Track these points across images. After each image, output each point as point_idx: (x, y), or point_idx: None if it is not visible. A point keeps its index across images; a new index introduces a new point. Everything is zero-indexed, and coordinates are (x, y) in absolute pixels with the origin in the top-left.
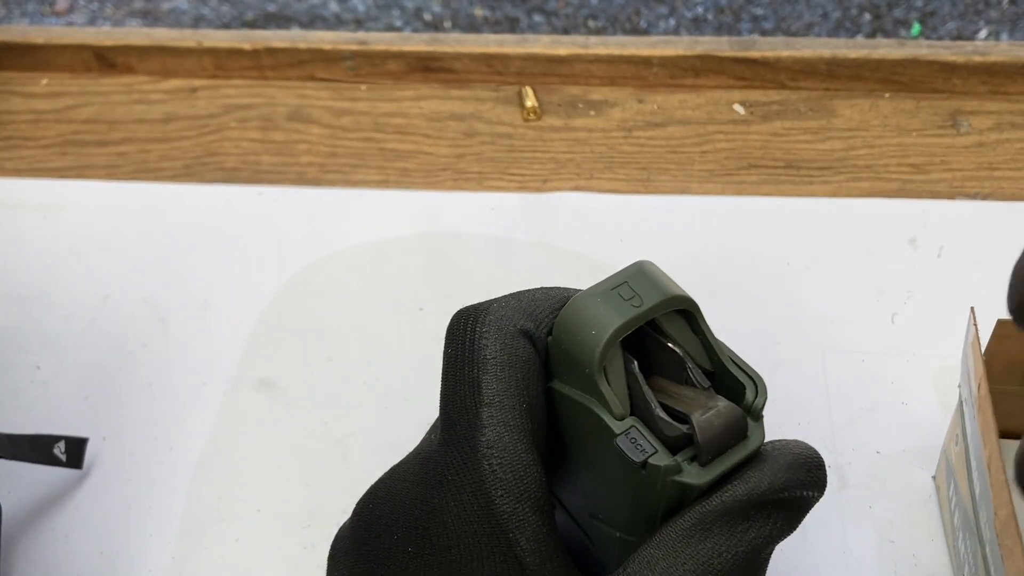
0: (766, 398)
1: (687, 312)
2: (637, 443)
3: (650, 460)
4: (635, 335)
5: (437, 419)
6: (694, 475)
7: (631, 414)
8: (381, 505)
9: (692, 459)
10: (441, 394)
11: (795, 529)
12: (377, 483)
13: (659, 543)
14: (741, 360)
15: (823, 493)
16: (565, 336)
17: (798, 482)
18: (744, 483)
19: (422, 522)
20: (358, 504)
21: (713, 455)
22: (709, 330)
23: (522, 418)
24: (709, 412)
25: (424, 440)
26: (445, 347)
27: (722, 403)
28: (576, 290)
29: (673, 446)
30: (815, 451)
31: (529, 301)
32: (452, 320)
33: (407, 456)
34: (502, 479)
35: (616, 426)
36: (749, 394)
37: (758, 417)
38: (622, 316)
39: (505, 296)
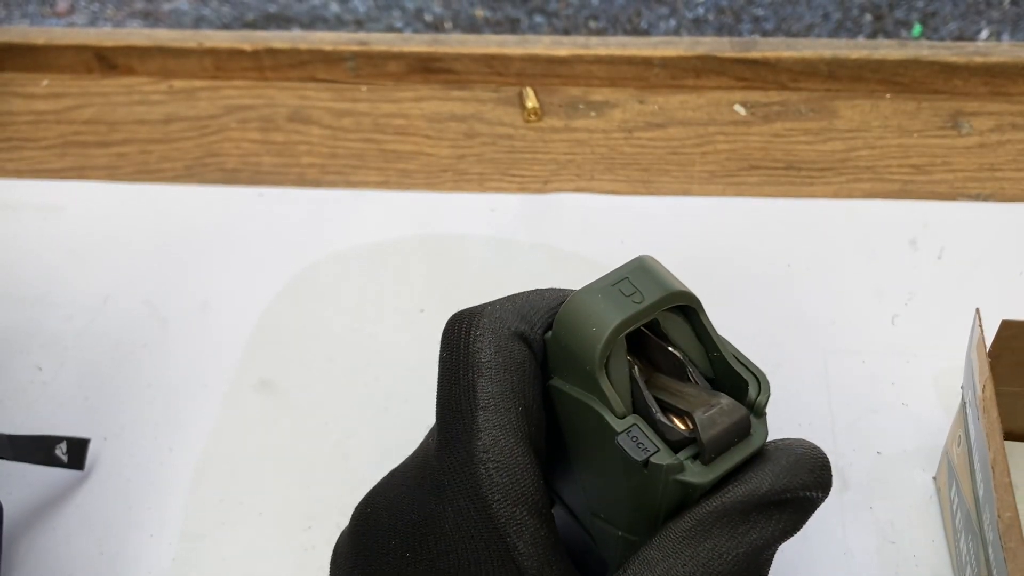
0: (769, 395)
1: (689, 308)
2: (639, 442)
3: (652, 459)
4: (636, 336)
5: (435, 424)
6: (697, 474)
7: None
8: (379, 511)
9: (695, 458)
10: (437, 399)
11: (798, 530)
12: (375, 488)
13: (659, 544)
14: (744, 357)
15: (828, 494)
16: (565, 333)
17: (802, 483)
18: (746, 483)
19: (419, 527)
20: (356, 509)
21: (716, 453)
22: (712, 326)
23: (519, 421)
24: (712, 410)
25: (422, 444)
26: (440, 351)
27: (725, 400)
28: (572, 291)
29: (676, 446)
30: (820, 451)
31: (524, 303)
32: (447, 324)
33: (405, 460)
34: (499, 483)
35: (617, 424)
36: (752, 391)
37: (761, 414)
38: (623, 312)
39: (500, 299)
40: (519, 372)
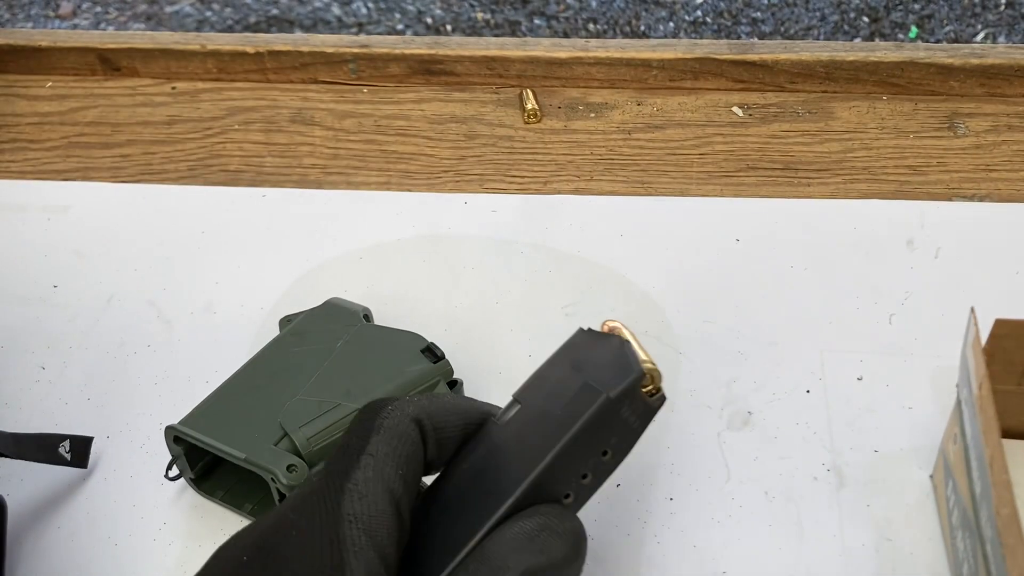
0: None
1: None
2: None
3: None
4: None
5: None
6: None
7: None
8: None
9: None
10: (337, 446)
11: None
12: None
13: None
14: None
15: None
16: None
17: None
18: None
19: (267, 533)
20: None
21: None
22: None
23: (394, 479)
24: None
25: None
26: (352, 420)
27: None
28: (490, 407)
29: None
30: None
31: (434, 402)
32: (367, 404)
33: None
34: (357, 511)
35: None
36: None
37: None
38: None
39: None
40: (409, 445)
